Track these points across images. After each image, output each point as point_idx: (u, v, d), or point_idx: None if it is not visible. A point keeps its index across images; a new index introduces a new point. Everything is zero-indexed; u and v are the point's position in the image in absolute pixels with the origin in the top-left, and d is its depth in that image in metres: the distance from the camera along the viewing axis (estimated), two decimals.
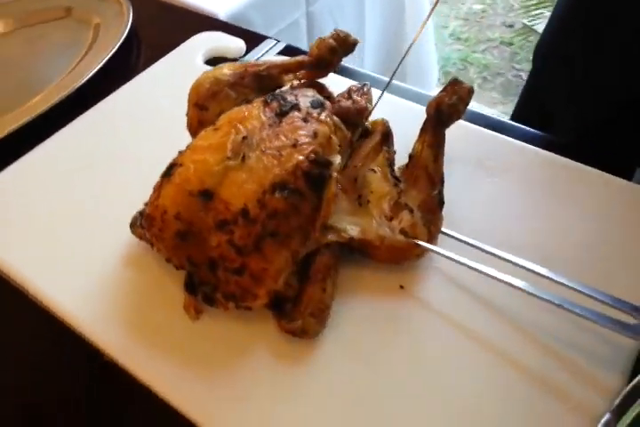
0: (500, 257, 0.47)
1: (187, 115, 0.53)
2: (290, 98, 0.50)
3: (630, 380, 0.40)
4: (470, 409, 0.42)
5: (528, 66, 0.98)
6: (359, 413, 0.43)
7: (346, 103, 0.53)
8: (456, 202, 0.53)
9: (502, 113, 2.09)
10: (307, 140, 0.46)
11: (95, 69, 0.70)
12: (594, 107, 0.75)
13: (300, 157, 0.45)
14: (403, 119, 0.55)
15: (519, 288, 0.44)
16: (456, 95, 0.51)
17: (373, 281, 0.50)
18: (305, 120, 0.48)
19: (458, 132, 0.53)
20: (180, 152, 0.48)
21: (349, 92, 0.55)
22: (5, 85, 0.78)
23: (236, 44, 0.74)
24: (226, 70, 0.53)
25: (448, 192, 0.51)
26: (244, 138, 0.46)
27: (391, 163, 0.52)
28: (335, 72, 0.59)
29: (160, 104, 0.67)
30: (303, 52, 0.57)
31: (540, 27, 1.99)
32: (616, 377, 0.43)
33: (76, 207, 0.58)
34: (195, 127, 0.52)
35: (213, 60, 0.73)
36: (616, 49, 0.68)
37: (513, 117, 0.94)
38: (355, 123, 0.53)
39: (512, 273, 0.45)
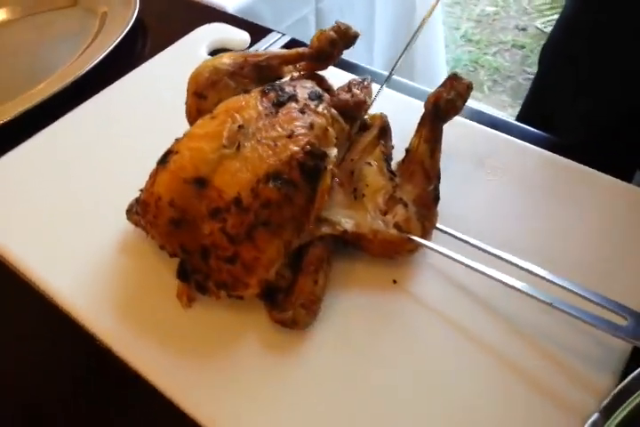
0: (494, 255, 0.47)
1: (185, 103, 0.53)
2: (288, 89, 0.50)
3: (621, 381, 0.40)
4: (459, 402, 0.42)
5: None
6: (346, 403, 0.43)
7: (345, 96, 0.53)
8: (453, 200, 0.53)
9: (511, 116, 2.07)
10: (303, 131, 0.46)
11: (99, 58, 0.71)
12: (598, 107, 0.75)
13: (296, 148, 0.45)
14: (403, 114, 0.55)
15: (513, 287, 0.44)
16: (454, 90, 0.51)
17: (367, 275, 0.50)
18: (302, 111, 0.48)
19: (459, 130, 0.53)
20: (177, 139, 0.48)
21: (349, 86, 0.55)
22: (12, 72, 0.79)
23: (240, 37, 0.74)
24: (225, 60, 0.53)
25: (445, 190, 0.51)
26: (240, 127, 0.46)
27: (387, 157, 0.52)
28: (335, 65, 0.59)
29: (162, 94, 0.67)
30: (307, 46, 0.57)
31: None
32: (607, 378, 0.43)
33: (75, 194, 0.58)
34: (193, 116, 0.52)
35: (217, 52, 0.73)
36: (621, 49, 0.68)
37: (518, 118, 0.94)
38: (353, 116, 0.53)
39: (506, 271, 0.45)
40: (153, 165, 0.48)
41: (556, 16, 0.83)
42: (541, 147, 0.59)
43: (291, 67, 0.56)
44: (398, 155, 0.54)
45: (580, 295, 0.43)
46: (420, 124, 0.52)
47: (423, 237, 0.48)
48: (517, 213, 0.54)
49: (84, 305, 0.49)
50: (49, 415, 0.47)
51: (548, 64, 0.84)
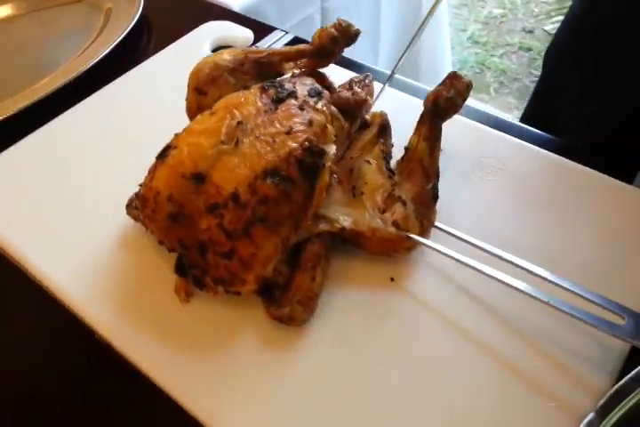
0: (492, 254, 0.47)
1: (186, 99, 0.53)
2: (287, 85, 0.50)
3: (618, 381, 0.39)
4: (455, 400, 0.42)
5: None
6: (343, 400, 0.43)
7: (346, 94, 0.53)
8: (452, 199, 0.53)
9: (517, 118, 2.07)
10: (301, 127, 0.46)
11: (103, 54, 0.71)
12: (603, 109, 0.75)
13: (294, 145, 0.45)
14: (404, 113, 0.55)
15: (510, 285, 0.44)
16: (454, 89, 0.51)
17: (365, 273, 0.50)
18: (301, 108, 0.48)
19: (459, 130, 0.53)
20: (177, 135, 0.48)
21: (351, 84, 0.55)
22: (17, 67, 0.79)
23: (244, 34, 0.75)
24: (226, 56, 0.53)
25: (445, 189, 0.51)
26: (239, 123, 0.46)
27: (386, 155, 0.52)
28: (339, 64, 0.59)
29: (164, 90, 0.67)
30: (309, 43, 0.57)
31: None
32: (604, 378, 0.43)
33: (76, 189, 0.58)
34: (194, 111, 0.53)
35: (221, 49, 0.73)
36: (626, 50, 0.68)
37: (522, 120, 0.94)
38: (353, 114, 0.53)
39: (505, 271, 0.45)
40: (154, 161, 0.48)
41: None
42: (545, 148, 0.59)
43: (291, 64, 0.56)
44: (399, 153, 0.54)
45: (578, 295, 0.43)
46: (420, 123, 0.52)
47: (421, 235, 0.48)
48: (517, 214, 0.54)
49: (83, 299, 0.49)
50: (49, 414, 0.47)
51: (553, 66, 0.84)
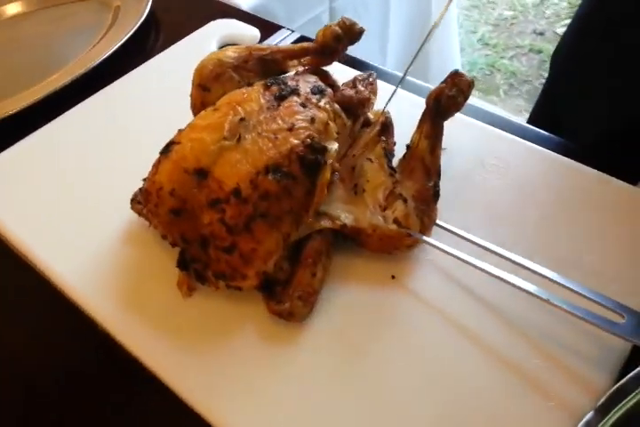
0: (493, 252, 0.47)
1: (190, 95, 0.54)
2: (290, 83, 0.50)
3: (618, 380, 0.39)
4: (455, 400, 0.42)
5: None
6: (341, 395, 0.43)
7: (349, 92, 0.53)
8: (454, 198, 0.53)
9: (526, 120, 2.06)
10: (303, 124, 0.46)
11: (111, 51, 0.72)
12: (609, 109, 0.75)
13: (296, 141, 0.45)
14: (407, 111, 0.55)
15: (510, 283, 0.44)
16: (456, 87, 0.51)
17: (366, 270, 0.50)
18: (303, 105, 0.48)
19: (461, 129, 0.53)
20: (180, 130, 0.49)
21: (354, 82, 0.56)
22: (26, 64, 0.80)
23: (250, 33, 0.75)
24: (230, 53, 0.53)
25: (447, 188, 0.51)
26: (242, 119, 0.46)
27: (388, 153, 0.52)
28: (347, 63, 0.59)
29: (171, 87, 0.67)
30: (313, 41, 0.57)
31: None
32: (604, 377, 0.43)
33: (82, 183, 0.59)
34: (197, 108, 0.53)
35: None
36: (634, 49, 0.67)
37: (529, 121, 0.94)
38: (356, 113, 0.53)
39: (504, 268, 0.45)
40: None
41: None
42: (548, 149, 0.59)
43: (295, 61, 0.56)
44: (401, 151, 0.54)
45: (579, 293, 0.43)
46: (421, 121, 0.52)
47: (422, 232, 0.48)
48: (518, 213, 0.54)
49: (86, 292, 0.50)
50: (48, 410, 0.47)
51: (560, 66, 0.84)
